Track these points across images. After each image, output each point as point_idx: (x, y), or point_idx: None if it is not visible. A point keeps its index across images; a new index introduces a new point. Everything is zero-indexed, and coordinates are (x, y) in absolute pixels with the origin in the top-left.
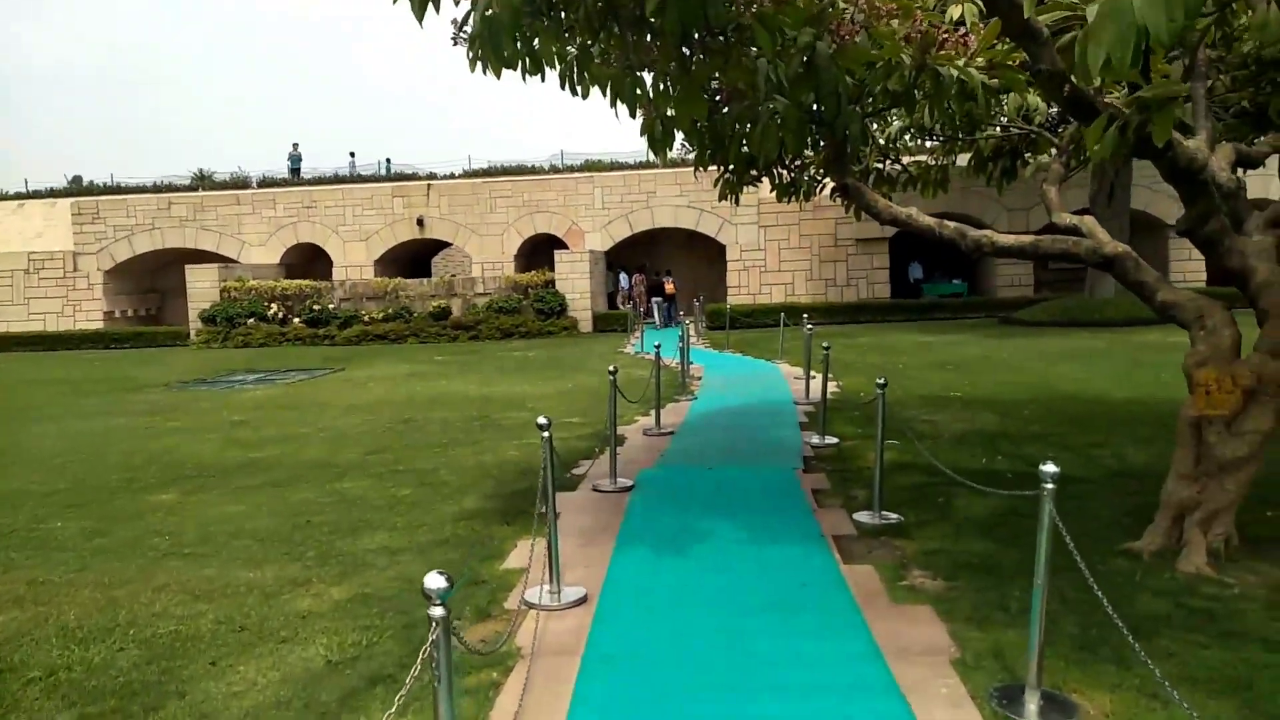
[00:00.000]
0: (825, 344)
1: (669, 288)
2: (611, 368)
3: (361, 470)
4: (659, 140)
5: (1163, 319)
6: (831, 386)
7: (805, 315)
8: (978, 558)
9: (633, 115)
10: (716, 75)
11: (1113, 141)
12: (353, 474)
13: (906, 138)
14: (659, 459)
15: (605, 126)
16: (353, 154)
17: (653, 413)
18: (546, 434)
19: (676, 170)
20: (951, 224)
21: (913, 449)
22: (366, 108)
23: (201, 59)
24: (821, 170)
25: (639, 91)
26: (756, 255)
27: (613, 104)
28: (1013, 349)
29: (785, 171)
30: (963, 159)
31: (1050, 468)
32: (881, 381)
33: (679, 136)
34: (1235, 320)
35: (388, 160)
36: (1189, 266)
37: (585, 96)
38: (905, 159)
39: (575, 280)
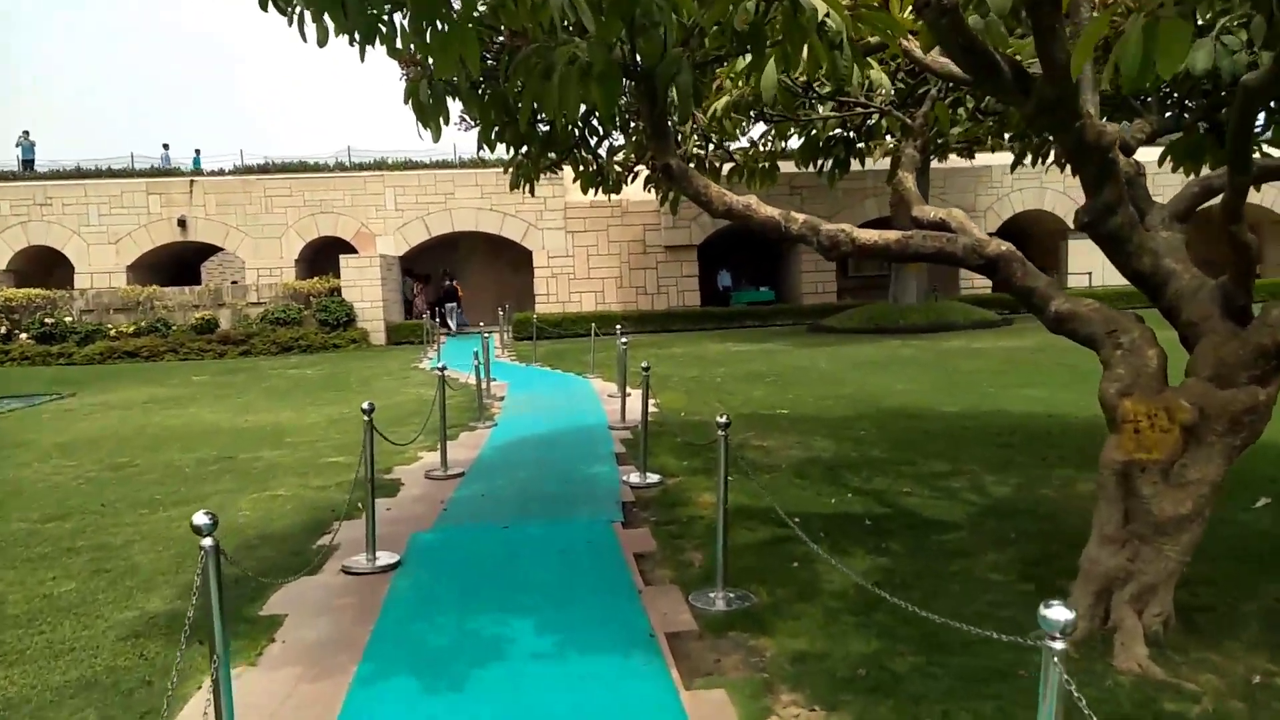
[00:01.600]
0: (644, 364)
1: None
2: (366, 405)
3: (21, 548)
4: (428, 108)
5: (1057, 332)
6: (651, 407)
7: (619, 326)
8: (864, 663)
9: (391, 56)
10: (497, 15)
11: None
12: (3, 555)
13: (728, 120)
14: (440, 515)
15: (399, 123)
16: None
17: (440, 447)
18: (208, 542)
19: (477, 170)
20: (801, 216)
21: (749, 487)
22: (124, 96)
23: None
24: (635, 155)
25: (389, 32)
26: (565, 262)
27: (361, 50)
28: (827, 358)
29: (589, 156)
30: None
31: (1061, 614)
32: (724, 421)
33: (455, 106)
34: (1155, 336)
35: (132, 154)
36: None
37: (323, 43)
38: (729, 145)
39: (365, 287)
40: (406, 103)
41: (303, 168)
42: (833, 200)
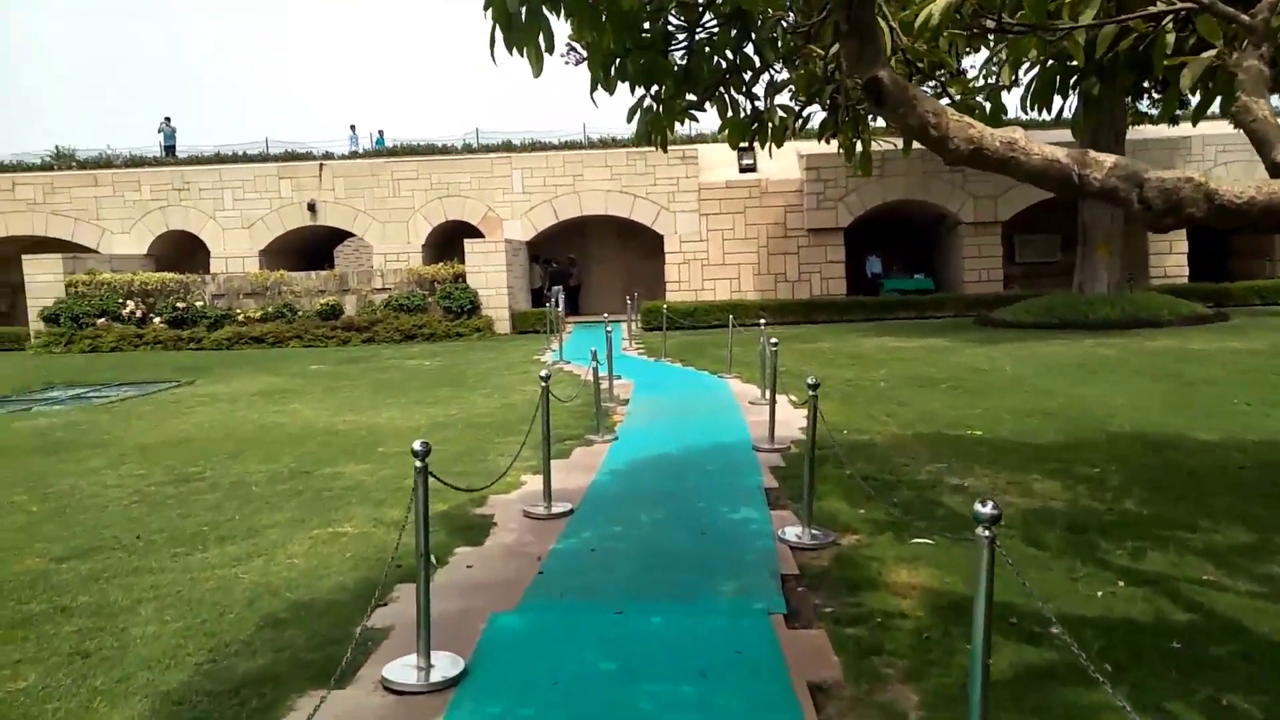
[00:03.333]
0: (811, 380)
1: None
2: (418, 445)
3: (12, 602)
4: (518, 24)
5: None
6: (801, 418)
7: (762, 320)
8: None
9: None
10: None
11: None
12: None
13: (945, 36)
14: (534, 580)
15: (527, 104)
16: (354, 127)
17: (550, 468)
18: None
19: (607, 151)
20: (1107, 159)
21: (952, 556)
22: (256, 82)
23: (62, 31)
24: (805, 90)
25: None
26: (698, 247)
27: None
28: (1010, 359)
29: (741, 96)
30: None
31: None
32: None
33: (558, 22)
34: None
35: (266, 139)
36: (1169, 261)
37: None
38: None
39: (490, 274)
40: (486, 10)
41: (430, 150)
42: (999, 176)
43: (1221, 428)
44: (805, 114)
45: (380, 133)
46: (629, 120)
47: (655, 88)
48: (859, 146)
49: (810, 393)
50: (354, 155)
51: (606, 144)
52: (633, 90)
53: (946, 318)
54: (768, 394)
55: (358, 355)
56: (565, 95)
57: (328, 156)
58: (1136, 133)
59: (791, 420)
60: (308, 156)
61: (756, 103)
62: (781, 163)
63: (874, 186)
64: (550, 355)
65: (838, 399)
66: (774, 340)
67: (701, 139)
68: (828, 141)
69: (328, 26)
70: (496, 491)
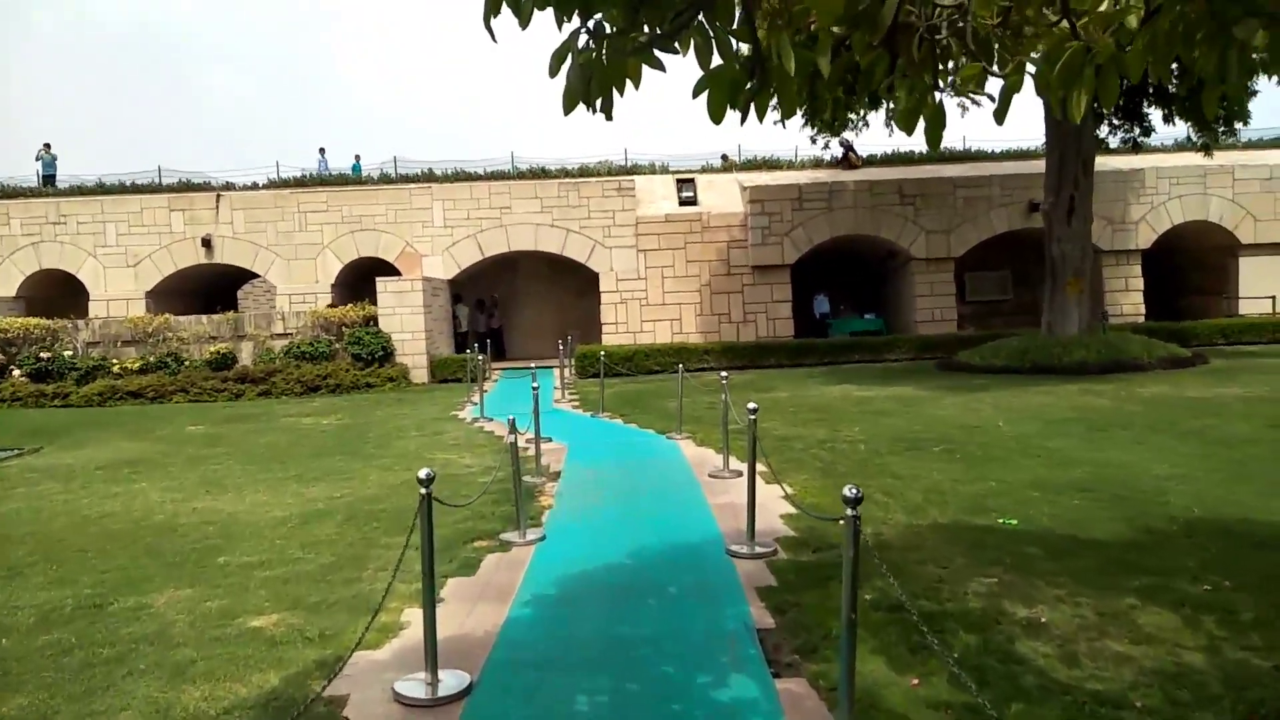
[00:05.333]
0: (854, 493)
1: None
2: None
3: None
4: None
5: None
6: (777, 497)
7: (724, 375)
8: None
9: None
10: None
11: None
12: None
13: None
14: None
15: (450, 132)
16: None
17: (442, 603)
18: None
19: (537, 181)
20: None
21: None
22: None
23: None
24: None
25: None
26: (636, 285)
27: None
28: (997, 412)
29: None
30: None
31: None
32: None
33: None
34: None
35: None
36: (1126, 299)
37: None
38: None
39: (405, 316)
40: None
41: (341, 180)
42: (950, 210)
43: None
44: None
45: (357, 157)
46: (553, 72)
47: (595, 17)
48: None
49: (849, 504)
50: (254, 186)
51: (537, 174)
52: (559, 22)
53: (903, 360)
54: (734, 464)
55: (247, 412)
56: (492, 122)
57: (228, 187)
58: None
59: (767, 502)
60: (204, 187)
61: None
62: (723, 195)
63: (822, 220)
64: (469, 411)
65: (816, 469)
66: (752, 406)
67: (638, 169)
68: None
69: (233, 50)
70: (365, 645)
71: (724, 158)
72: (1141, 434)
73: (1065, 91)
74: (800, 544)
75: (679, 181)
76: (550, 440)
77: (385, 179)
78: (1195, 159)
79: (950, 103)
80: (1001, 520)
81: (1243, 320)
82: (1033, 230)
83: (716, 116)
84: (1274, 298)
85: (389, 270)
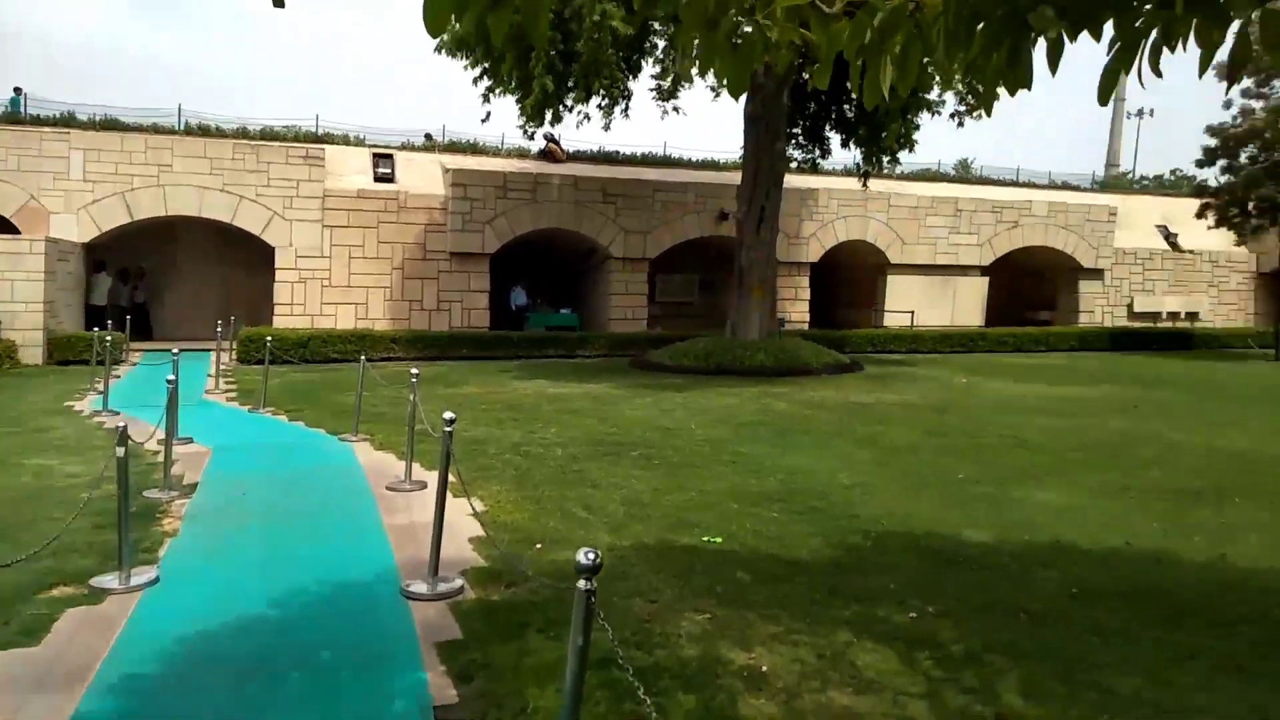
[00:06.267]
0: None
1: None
2: None
3: None
4: None
5: None
6: (465, 515)
7: (415, 373)
8: None
9: None
10: None
11: None
12: None
13: None
14: None
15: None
16: None
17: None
18: None
19: (208, 139)
20: None
21: None
22: None
23: None
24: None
25: None
26: (318, 264)
27: None
28: (689, 414)
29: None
30: None
31: None
32: None
33: None
34: None
35: None
36: (795, 308)
37: None
38: None
39: (19, 283)
40: None
41: None
42: (649, 213)
43: (979, 519)
44: None
45: (17, 90)
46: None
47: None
48: None
49: (585, 573)
50: None
51: (209, 132)
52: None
53: (597, 357)
54: (418, 473)
55: None
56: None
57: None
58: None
59: (455, 520)
60: None
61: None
62: (424, 176)
63: (525, 211)
64: (90, 402)
65: (510, 480)
66: (449, 416)
67: (330, 138)
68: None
69: None
70: None
71: (428, 136)
72: (822, 439)
73: (867, 59)
74: (492, 576)
75: (376, 156)
76: (191, 442)
77: (10, 118)
78: (860, 184)
79: (652, 107)
80: (706, 539)
81: (888, 331)
82: (720, 238)
83: (435, 28)
84: (912, 313)
85: (7, 228)
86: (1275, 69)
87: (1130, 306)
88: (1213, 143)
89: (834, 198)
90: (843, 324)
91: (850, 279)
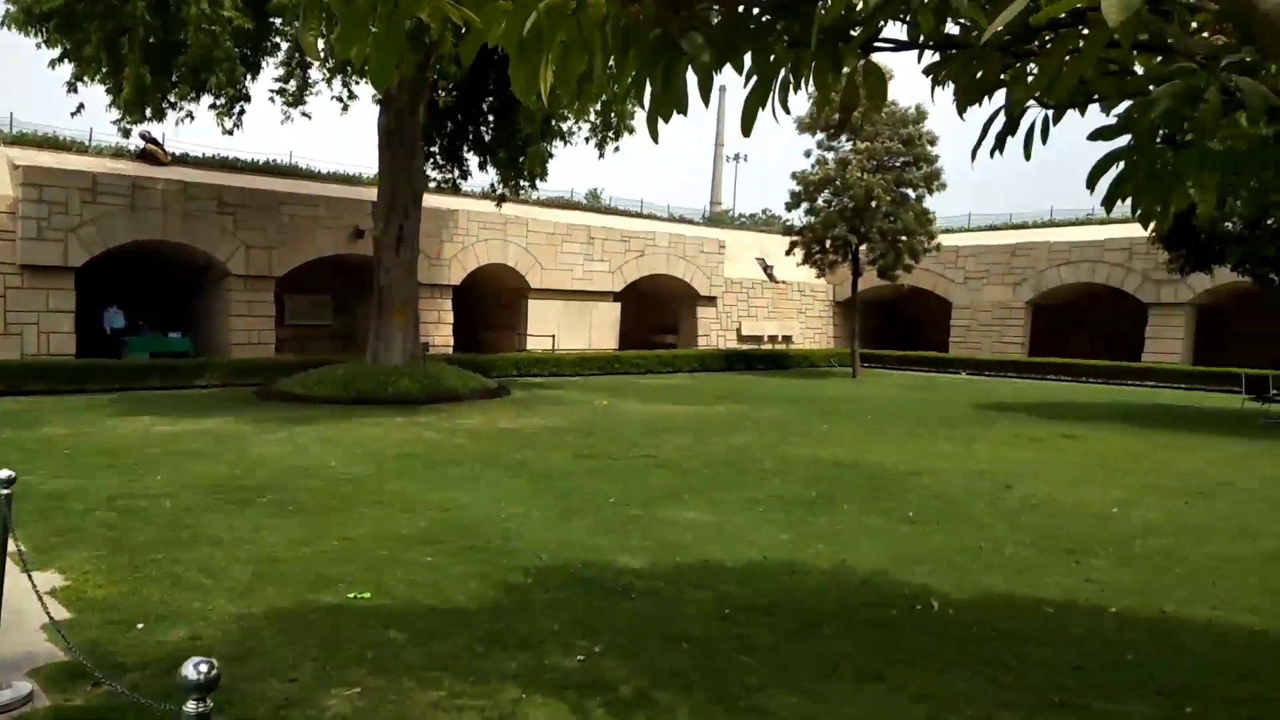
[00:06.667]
0: None
1: None
2: None
3: None
4: None
5: None
6: (32, 598)
7: None
8: None
9: None
10: None
11: None
12: None
13: None
14: None
15: None
16: None
17: None
18: None
19: None
20: None
21: None
22: None
23: None
24: None
25: None
26: None
27: None
28: (328, 449)
29: None
30: None
31: None
32: None
33: None
34: None
35: None
36: (438, 331)
37: None
38: None
39: None
40: None
41: None
42: (275, 227)
43: (633, 543)
44: None
45: None
46: None
47: None
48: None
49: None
50: None
51: None
52: None
53: (215, 387)
54: None
55: None
56: None
57: None
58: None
59: (21, 603)
60: None
61: None
62: None
63: (122, 220)
64: None
65: (103, 543)
66: (6, 475)
67: None
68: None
69: None
70: None
71: None
72: (474, 470)
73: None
74: (72, 673)
75: None
76: None
77: None
78: (504, 207)
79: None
80: (353, 595)
81: (531, 355)
82: (356, 256)
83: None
84: (553, 336)
85: None
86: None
87: (739, 330)
88: (797, 187)
89: (474, 220)
90: (487, 348)
91: (493, 302)
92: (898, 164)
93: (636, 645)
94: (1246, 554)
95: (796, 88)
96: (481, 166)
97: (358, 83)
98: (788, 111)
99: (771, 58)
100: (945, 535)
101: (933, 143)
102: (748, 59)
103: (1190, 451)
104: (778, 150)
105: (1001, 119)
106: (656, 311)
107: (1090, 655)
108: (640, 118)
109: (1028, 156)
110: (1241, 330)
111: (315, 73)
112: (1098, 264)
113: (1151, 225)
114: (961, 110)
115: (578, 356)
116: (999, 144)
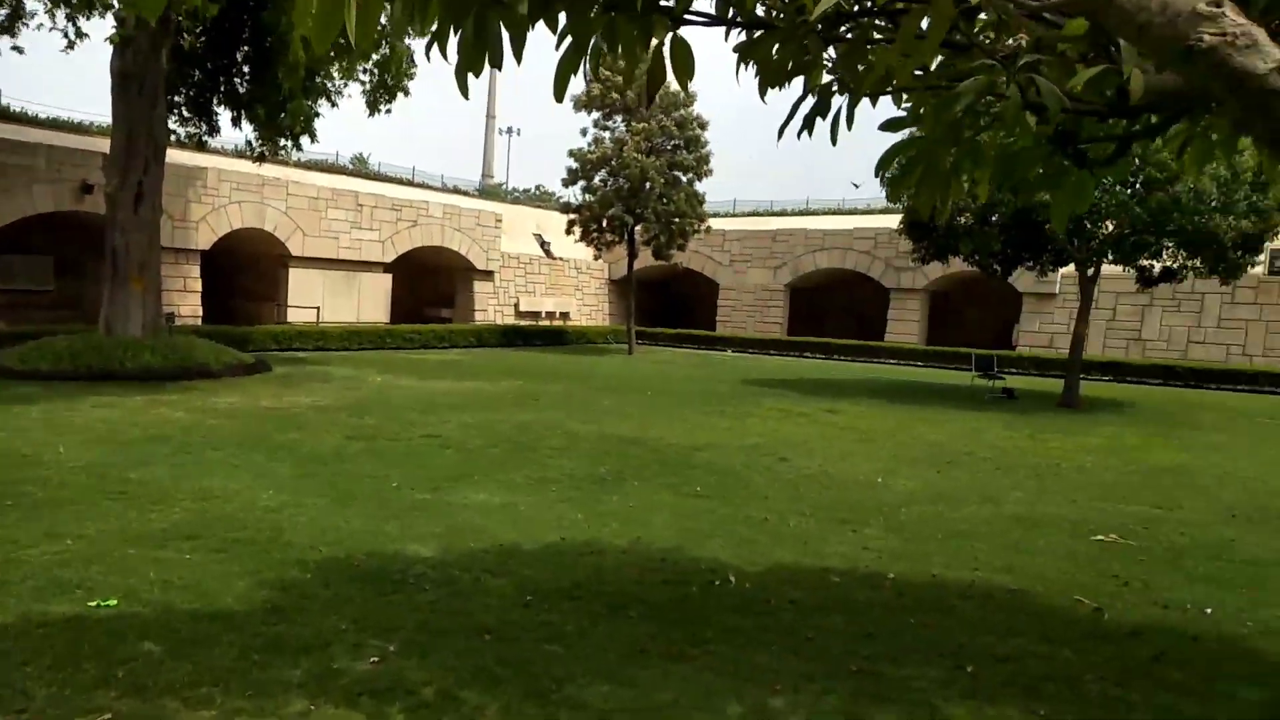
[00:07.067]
0: None
1: None
2: None
3: None
4: None
5: None
6: None
7: None
8: None
9: None
10: None
11: None
12: None
13: None
14: None
15: None
16: None
17: None
18: None
19: None
20: None
21: None
22: None
23: None
24: None
25: None
26: None
27: None
28: (55, 432)
29: None
30: None
31: None
32: None
33: None
34: None
35: None
36: (185, 301)
37: None
38: None
39: None
40: None
41: None
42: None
43: (421, 530)
44: None
45: None
46: None
47: None
48: None
49: None
50: None
51: None
52: None
53: None
54: None
55: None
56: None
57: None
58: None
59: None
60: None
61: None
62: None
63: None
64: None
65: None
66: None
67: None
68: None
69: None
70: None
71: None
72: (235, 454)
73: None
74: None
75: None
76: None
77: None
78: (257, 167)
79: None
80: (96, 603)
81: (293, 328)
82: (85, 214)
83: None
84: (318, 308)
85: None
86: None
87: (517, 306)
88: (574, 165)
89: (226, 180)
90: (242, 319)
91: (249, 270)
92: (670, 147)
93: (435, 641)
94: (993, 517)
95: (610, 53)
96: (235, 122)
97: (87, 17)
98: (599, 80)
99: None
100: (732, 509)
101: (704, 127)
102: (562, 18)
103: (934, 424)
104: (551, 126)
105: (810, 101)
106: (431, 284)
107: (877, 622)
108: (419, 80)
109: (834, 141)
110: (968, 315)
111: (32, 0)
112: (848, 251)
113: (899, 218)
114: (763, 92)
115: (346, 330)
116: (807, 125)
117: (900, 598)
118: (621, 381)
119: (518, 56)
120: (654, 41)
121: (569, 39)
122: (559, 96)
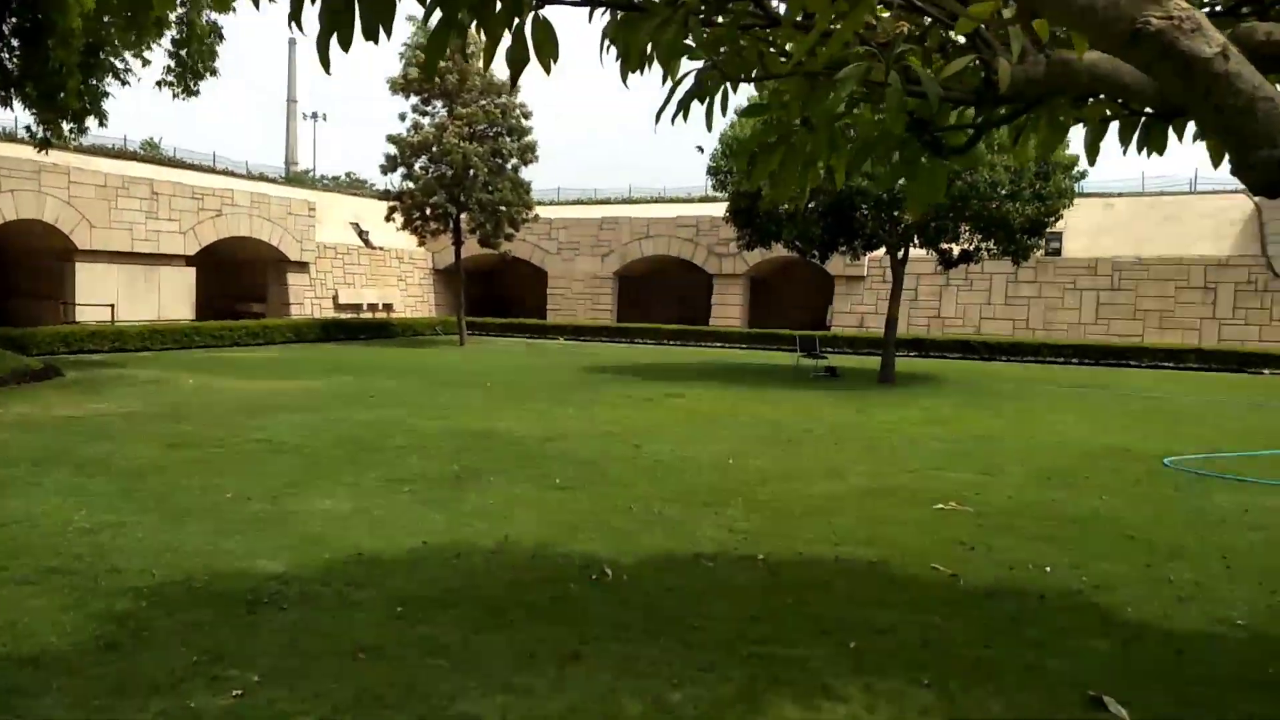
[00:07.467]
0: None
1: None
2: None
3: None
4: None
5: None
6: None
7: None
8: None
9: None
10: None
11: None
12: None
13: None
14: None
15: None
16: None
17: None
18: None
19: None
20: None
21: None
22: None
23: None
24: None
25: None
26: None
27: None
28: None
29: None
30: None
31: None
32: None
33: None
34: None
35: None
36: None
37: None
38: None
39: None
40: None
41: None
42: None
43: (267, 544)
44: None
45: None
46: None
47: None
48: None
49: None
50: None
51: None
52: None
53: None
54: None
55: None
56: None
57: None
58: None
59: None
60: None
61: None
62: None
63: None
64: None
65: None
66: None
67: None
68: None
69: None
70: None
71: None
72: (33, 471)
73: None
74: None
75: None
76: None
77: None
78: (30, 152)
79: None
80: None
81: (84, 328)
82: None
83: None
84: (113, 306)
85: None
86: (431, 90)
87: (336, 298)
88: (393, 151)
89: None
90: (21, 320)
91: (27, 267)
92: (492, 133)
93: (305, 665)
94: (844, 492)
95: (480, 30)
96: (4, 102)
97: None
98: (466, 60)
99: None
100: (594, 499)
101: (527, 116)
102: None
103: (771, 404)
104: (360, 112)
105: (687, 84)
106: (241, 278)
107: (759, 604)
108: (222, 60)
109: (709, 127)
110: (786, 298)
111: None
112: (672, 239)
113: (725, 206)
114: (625, 76)
115: (146, 329)
116: (682, 109)
117: (774, 577)
118: (459, 374)
119: (388, 30)
120: (515, 20)
121: (439, 12)
122: (430, 73)
